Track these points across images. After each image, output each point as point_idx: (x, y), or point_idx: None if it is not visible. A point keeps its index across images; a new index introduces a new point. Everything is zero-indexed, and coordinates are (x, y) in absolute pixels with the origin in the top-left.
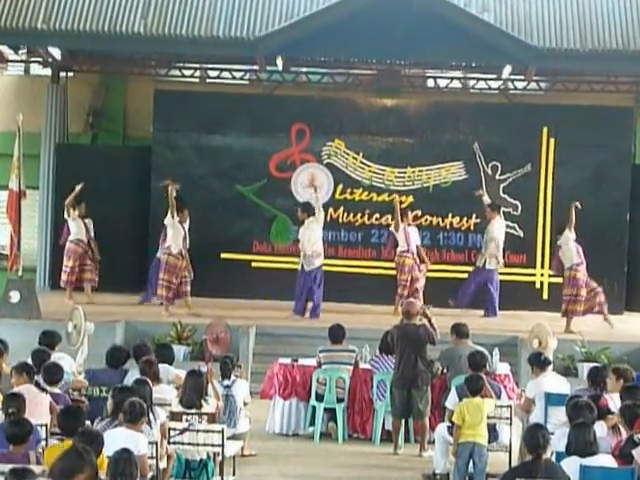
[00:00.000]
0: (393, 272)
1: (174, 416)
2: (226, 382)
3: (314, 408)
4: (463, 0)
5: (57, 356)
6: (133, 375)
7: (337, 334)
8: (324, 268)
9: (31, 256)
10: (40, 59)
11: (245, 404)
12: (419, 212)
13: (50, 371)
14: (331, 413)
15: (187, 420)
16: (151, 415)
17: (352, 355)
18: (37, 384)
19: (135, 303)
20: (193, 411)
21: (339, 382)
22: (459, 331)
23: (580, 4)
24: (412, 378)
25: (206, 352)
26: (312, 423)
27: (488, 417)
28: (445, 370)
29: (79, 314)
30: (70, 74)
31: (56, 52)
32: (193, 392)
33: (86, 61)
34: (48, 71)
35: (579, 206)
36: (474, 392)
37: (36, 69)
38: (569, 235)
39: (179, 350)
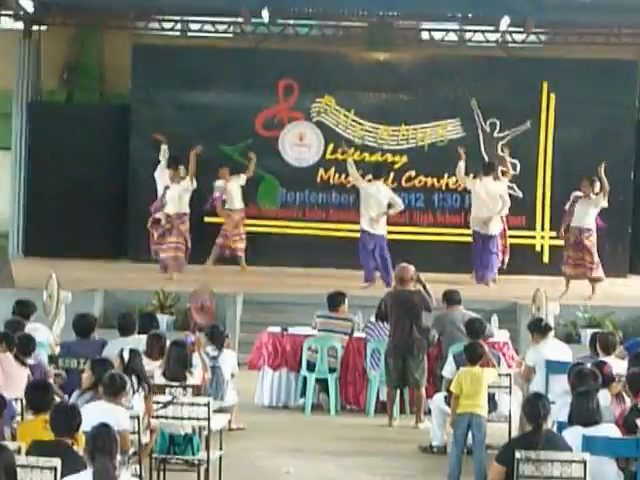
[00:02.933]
0: (388, 236)
1: (157, 389)
2: (212, 353)
3: (305, 379)
4: None
5: (32, 327)
6: (113, 346)
7: (334, 300)
8: (313, 232)
9: (3, 220)
10: (11, 12)
11: (233, 376)
12: (413, 173)
13: (21, 342)
14: (323, 384)
15: (171, 393)
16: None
17: (349, 324)
18: (16, 356)
19: (115, 270)
20: (177, 384)
21: (331, 351)
22: (450, 298)
23: None
24: (407, 346)
25: (191, 321)
26: (303, 394)
27: (487, 387)
28: (439, 337)
29: (53, 282)
30: (43, 28)
31: (28, 4)
32: (177, 363)
33: (60, 14)
34: (20, 25)
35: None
36: (473, 360)
37: (7, 23)
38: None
39: (162, 319)
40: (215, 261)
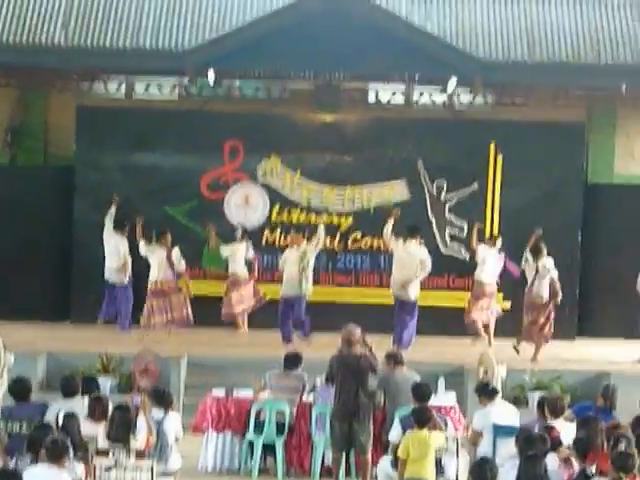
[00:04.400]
0: (333, 298)
1: (100, 452)
2: (157, 416)
3: (251, 442)
4: (405, 10)
5: None
6: (54, 409)
7: (290, 361)
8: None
9: None
10: None
11: (177, 439)
12: (359, 234)
13: None
14: (269, 448)
15: (114, 456)
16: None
17: (301, 383)
18: None
19: (57, 332)
20: (120, 447)
21: (279, 415)
22: (394, 359)
23: (529, 15)
24: (353, 410)
25: (135, 384)
26: (249, 458)
27: (434, 451)
28: (384, 400)
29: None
30: None
31: None
32: (120, 427)
33: (3, 75)
34: None
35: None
36: (421, 424)
37: None
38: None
39: (105, 382)
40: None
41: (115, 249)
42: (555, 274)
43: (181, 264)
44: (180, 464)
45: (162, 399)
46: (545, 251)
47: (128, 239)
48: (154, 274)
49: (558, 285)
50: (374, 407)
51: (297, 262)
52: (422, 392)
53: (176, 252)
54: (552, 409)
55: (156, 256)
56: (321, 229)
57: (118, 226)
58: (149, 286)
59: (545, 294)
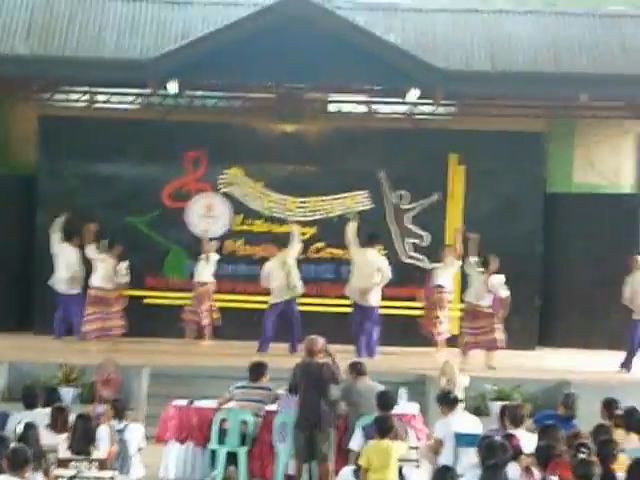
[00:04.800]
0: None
1: (61, 463)
2: (118, 426)
3: (213, 452)
4: (366, 21)
5: None
6: (15, 420)
7: (256, 371)
8: (221, 304)
9: None
10: None
11: (140, 449)
12: (321, 244)
13: None
14: (232, 457)
15: (75, 467)
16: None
17: (268, 393)
18: None
19: (20, 342)
20: (82, 457)
21: (242, 425)
22: (357, 369)
23: (489, 26)
24: (315, 419)
25: (96, 394)
26: (211, 468)
27: (396, 460)
28: (346, 409)
29: None
30: None
31: None
32: (82, 437)
33: None
34: None
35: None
36: (383, 433)
37: None
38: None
39: (67, 393)
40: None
41: (68, 260)
42: (504, 292)
43: (125, 278)
44: (143, 474)
45: (119, 409)
46: (494, 266)
47: (80, 248)
48: (97, 281)
49: (508, 301)
50: (336, 416)
51: (280, 268)
52: (386, 401)
53: (125, 265)
54: (512, 418)
55: (104, 264)
56: (295, 235)
57: (69, 237)
58: (89, 292)
59: (487, 303)
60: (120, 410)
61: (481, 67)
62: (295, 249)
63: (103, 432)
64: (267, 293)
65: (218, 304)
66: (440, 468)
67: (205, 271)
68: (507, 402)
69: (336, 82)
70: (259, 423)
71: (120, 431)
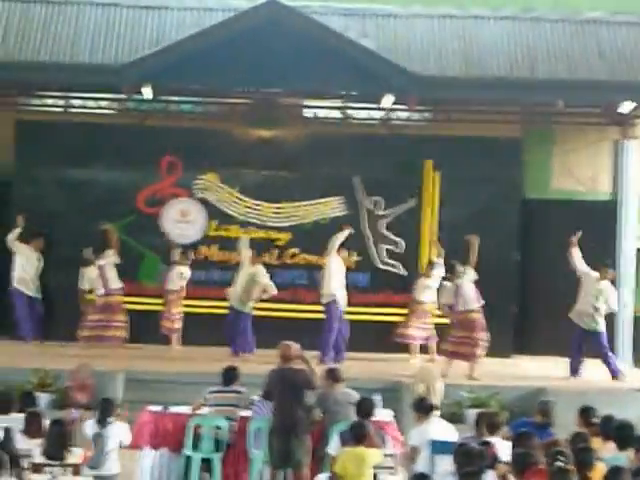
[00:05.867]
0: (270, 313)
1: (36, 468)
2: (103, 422)
3: (188, 458)
4: (341, 26)
5: None
6: None
7: (228, 375)
8: (194, 310)
9: None
10: None
11: (122, 447)
12: (296, 250)
13: None
14: (206, 463)
15: (50, 472)
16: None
17: (240, 397)
18: None
19: None
20: (56, 462)
21: (216, 432)
22: (332, 375)
23: (465, 31)
24: (291, 425)
25: (71, 399)
26: (185, 474)
27: (371, 467)
28: (322, 415)
29: None
30: None
31: None
32: (56, 442)
33: None
34: None
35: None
36: (358, 440)
37: None
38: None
39: (42, 397)
40: None
41: (28, 261)
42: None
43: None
44: (119, 470)
45: (108, 410)
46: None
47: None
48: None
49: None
50: (311, 423)
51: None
52: (365, 407)
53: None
54: (489, 425)
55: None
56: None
57: (26, 238)
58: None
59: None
60: (109, 409)
61: (456, 73)
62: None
63: (88, 428)
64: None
65: (192, 310)
66: (416, 475)
67: (174, 279)
68: (483, 409)
69: (311, 87)
70: (234, 427)
71: (103, 427)
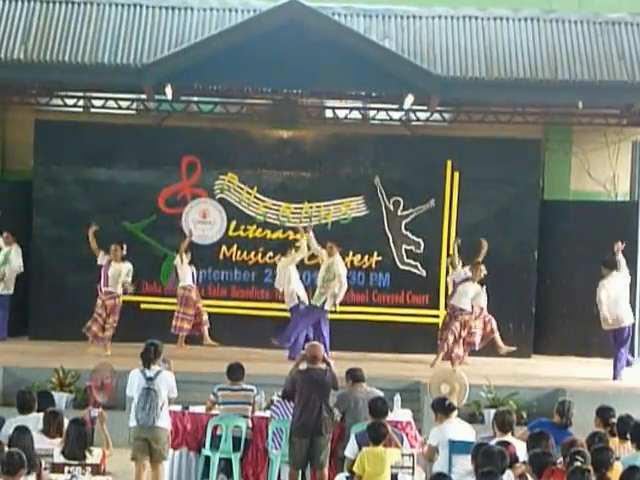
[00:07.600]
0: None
1: (56, 467)
2: (149, 373)
3: (207, 458)
4: (363, 26)
5: None
6: (11, 425)
7: (235, 372)
8: (215, 310)
9: None
10: None
11: (170, 400)
12: None
13: None
14: (225, 463)
15: (69, 472)
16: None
17: (250, 394)
18: None
19: (14, 347)
20: (76, 462)
21: (235, 430)
22: (354, 375)
23: (486, 32)
24: (316, 426)
25: (91, 399)
26: (205, 474)
27: (390, 467)
28: (343, 416)
29: None
30: None
31: None
32: (76, 442)
33: None
34: None
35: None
36: (376, 440)
37: None
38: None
39: (61, 397)
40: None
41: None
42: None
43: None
44: (169, 425)
45: (150, 356)
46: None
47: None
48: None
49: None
50: (332, 424)
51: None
52: (378, 408)
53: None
54: (500, 423)
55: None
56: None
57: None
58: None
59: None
60: (151, 356)
61: (477, 74)
62: (296, 257)
63: (135, 376)
64: (260, 299)
65: (214, 309)
66: (435, 475)
67: (187, 275)
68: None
69: (332, 88)
70: (248, 424)
71: (150, 379)
